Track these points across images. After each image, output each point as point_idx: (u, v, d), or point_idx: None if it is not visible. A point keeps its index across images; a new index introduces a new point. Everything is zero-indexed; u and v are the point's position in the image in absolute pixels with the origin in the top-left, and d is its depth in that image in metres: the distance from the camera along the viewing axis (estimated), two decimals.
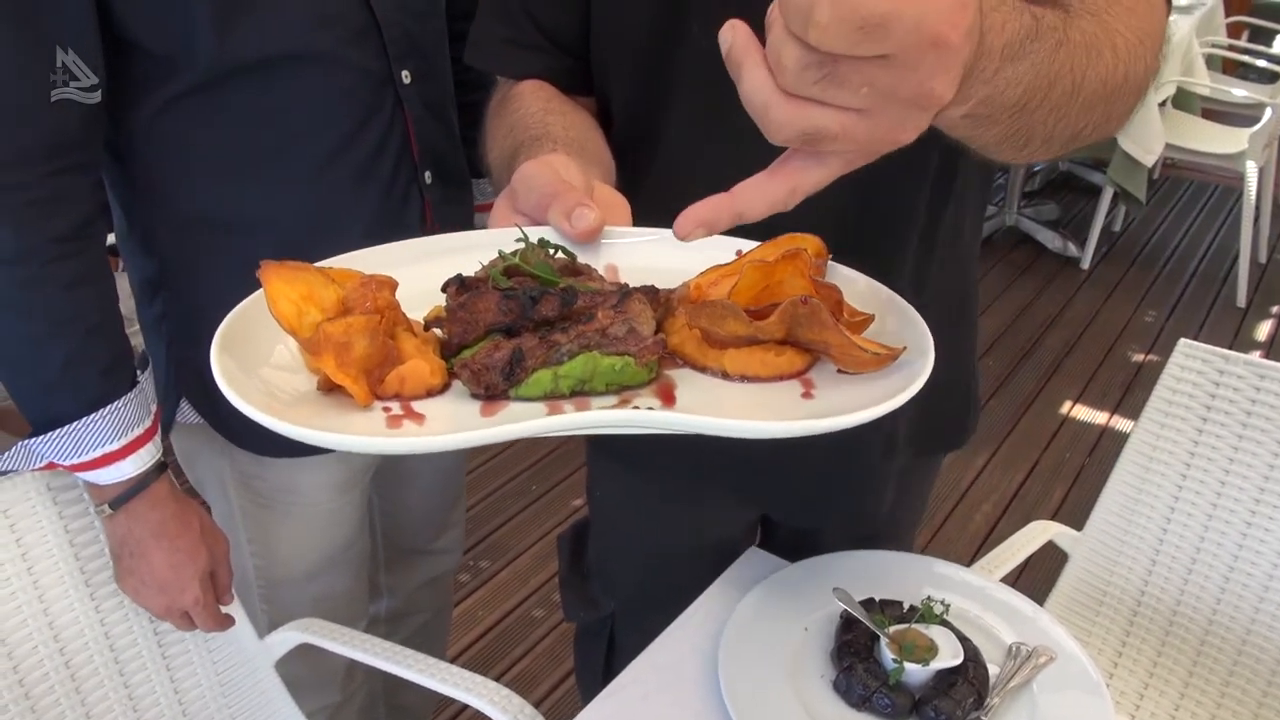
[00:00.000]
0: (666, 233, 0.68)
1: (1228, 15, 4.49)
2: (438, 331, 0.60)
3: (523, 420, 0.52)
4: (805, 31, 0.40)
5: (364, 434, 0.52)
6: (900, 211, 0.94)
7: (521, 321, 0.57)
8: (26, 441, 0.96)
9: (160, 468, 1.02)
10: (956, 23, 0.41)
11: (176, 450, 1.22)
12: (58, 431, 0.94)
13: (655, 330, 0.58)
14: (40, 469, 0.98)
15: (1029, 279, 3.92)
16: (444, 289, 0.59)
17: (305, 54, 0.98)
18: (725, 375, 0.58)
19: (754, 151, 0.89)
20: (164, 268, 1.09)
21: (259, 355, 0.56)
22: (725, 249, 0.65)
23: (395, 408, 0.54)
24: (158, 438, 1.02)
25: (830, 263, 0.66)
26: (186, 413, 1.14)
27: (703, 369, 0.59)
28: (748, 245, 0.66)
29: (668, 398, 0.56)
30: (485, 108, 1.31)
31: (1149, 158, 3.53)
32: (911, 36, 0.40)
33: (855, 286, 0.65)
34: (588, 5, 0.91)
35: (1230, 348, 1.32)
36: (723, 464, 1.09)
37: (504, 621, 2.25)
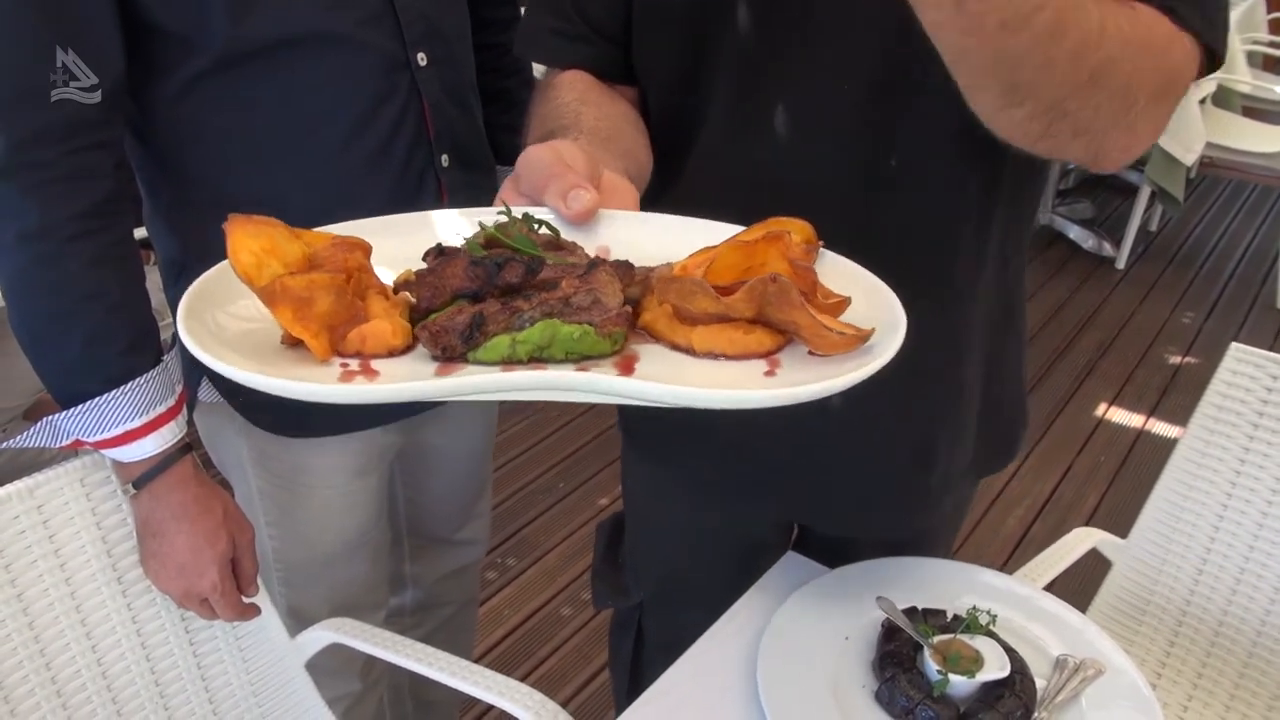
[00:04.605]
0: (663, 217, 0.68)
1: (1269, 11, 4.41)
2: (409, 296, 0.60)
3: (475, 377, 0.53)
4: None
5: (308, 380, 0.52)
6: (949, 220, 0.92)
7: (487, 288, 0.57)
8: (52, 417, 0.97)
9: (184, 449, 1.03)
10: None
11: (200, 429, 1.22)
12: (81, 407, 0.95)
13: (624, 304, 0.58)
14: (66, 445, 0.99)
15: (1063, 279, 3.87)
16: (424, 257, 0.60)
17: (320, 36, 0.99)
18: (693, 352, 0.58)
19: (791, 140, 0.89)
20: (187, 248, 1.10)
21: (229, 306, 0.57)
22: (721, 235, 0.64)
23: (353, 364, 0.55)
24: (181, 418, 1.02)
25: (822, 249, 0.66)
26: (208, 391, 1.15)
27: (673, 346, 0.59)
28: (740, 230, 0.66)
29: (626, 369, 0.56)
30: (517, 94, 1.31)
31: (1189, 156, 3.47)
32: None
33: (841, 272, 0.64)
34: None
35: (1270, 349, 1.28)
36: (752, 468, 1.07)
37: (531, 619, 2.24)
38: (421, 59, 1.06)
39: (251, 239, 0.56)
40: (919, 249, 0.93)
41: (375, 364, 0.55)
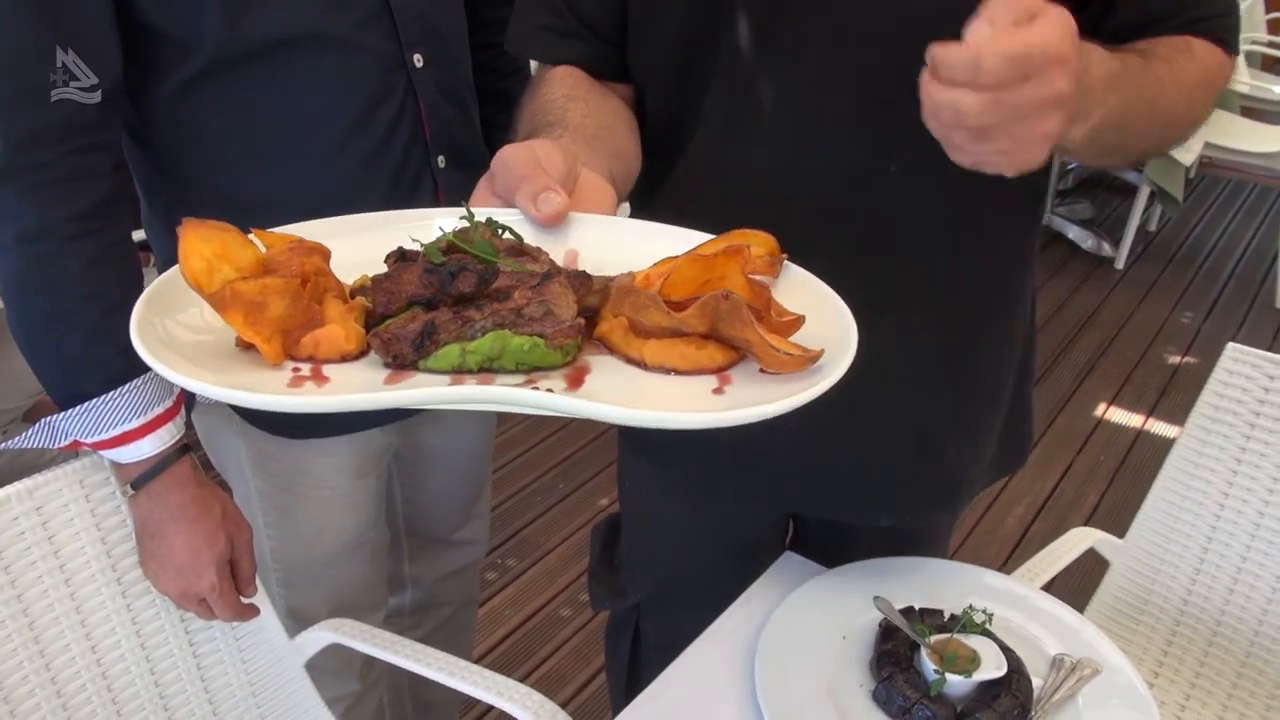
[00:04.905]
0: (633, 222, 0.68)
1: (1268, 11, 4.41)
2: (365, 301, 0.60)
3: (416, 389, 0.53)
4: (976, 77, 0.57)
5: (257, 390, 0.52)
6: (949, 220, 0.94)
7: (441, 296, 0.58)
8: (50, 418, 0.97)
9: (183, 450, 1.03)
10: (1067, 46, 0.59)
11: (198, 430, 1.23)
12: (80, 408, 0.95)
13: (580, 315, 0.58)
14: (64, 447, 0.99)
15: (1062, 279, 3.87)
16: (386, 260, 0.60)
17: (316, 37, 1.00)
18: (644, 366, 0.58)
19: (784, 143, 0.89)
20: None
21: (181, 311, 0.58)
22: (689, 242, 0.65)
23: (305, 369, 0.55)
24: (179, 419, 1.02)
25: (786, 263, 0.66)
26: None
27: (626, 359, 0.59)
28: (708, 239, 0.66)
29: (575, 382, 0.56)
30: (515, 94, 1.32)
31: (1188, 156, 3.48)
32: (1044, 57, 0.57)
33: (802, 286, 0.64)
34: None
35: (1269, 349, 1.29)
36: (750, 461, 1.07)
37: (531, 620, 2.25)
38: (418, 60, 1.07)
39: (203, 243, 0.56)
40: (920, 250, 0.93)
41: (327, 369, 0.55)
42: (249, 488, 1.21)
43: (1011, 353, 1.06)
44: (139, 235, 1.03)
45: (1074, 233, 4.13)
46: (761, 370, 0.57)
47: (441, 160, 1.12)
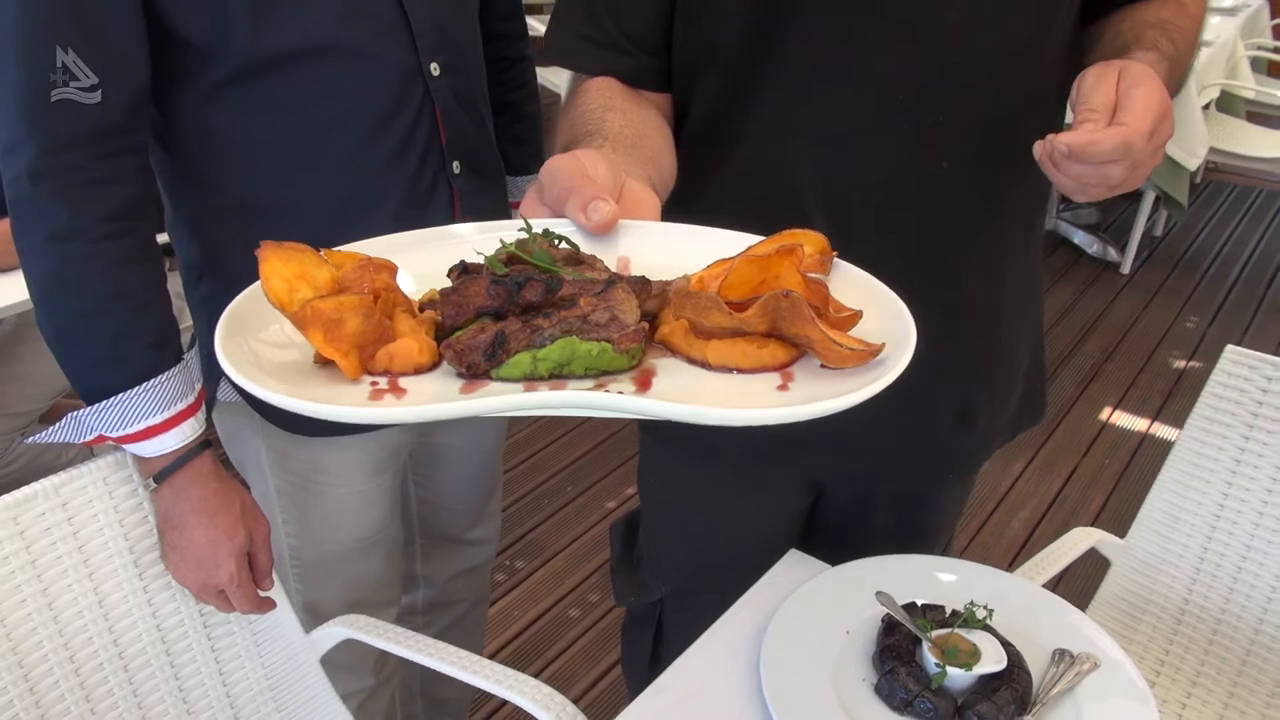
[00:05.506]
0: (682, 227, 0.69)
1: (1274, 17, 4.43)
2: (434, 314, 0.62)
3: (496, 398, 0.55)
4: (1126, 155, 0.75)
5: (339, 404, 0.54)
6: (1000, 202, 1.03)
7: (509, 306, 0.59)
8: (76, 413, 1.00)
9: (204, 445, 1.06)
10: (1162, 103, 0.78)
11: (219, 429, 1.25)
12: (106, 403, 0.98)
13: (641, 319, 0.59)
14: (89, 441, 1.02)
15: (1068, 283, 3.88)
16: (449, 274, 0.62)
17: (337, 46, 1.02)
18: (708, 366, 0.59)
19: (830, 155, 0.93)
20: (207, 252, 1.13)
21: (261, 330, 0.59)
22: (737, 244, 0.66)
23: (382, 383, 0.57)
24: (201, 414, 1.05)
25: (836, 260, 0.67)
26: (227, 390, 1.18)
27: (689, 360, 0.60)
28: (759, 241, 0.67)
29: (644, 384, 0.57)
30: (524, 107, 1.35)
31: (1192, 161, 3.49)
32: (1164, 115, 0.78)
33: (854, 283, 0.65)
34: (670, 6, 0.94)
35: (1275, 354, 1.30)
36: (792, 444, 1.11)
37: (539, 621, 2.27)
38: (434, 69, 1.09)
39: (283, 265, 0.58)
40: (961, 244, 1.01)
41: (403, 382, 0.57)
42: (268, 485, 1.24)
43: (1033, 323, 1.16)
44: (162, 238, 1.06)
45: (1080, 238, 4.14)
46: (823, 366, 0.58)
47: (456, 166, 1.15)
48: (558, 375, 0.57)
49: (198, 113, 1.03)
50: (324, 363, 0.58)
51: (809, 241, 0.65)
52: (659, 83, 0.98)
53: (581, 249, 0.65)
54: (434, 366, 0.59)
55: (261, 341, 0.59)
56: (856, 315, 0.60)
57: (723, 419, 0.52)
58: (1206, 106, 3.68)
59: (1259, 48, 4.17)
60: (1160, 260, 4.12)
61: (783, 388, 0.57)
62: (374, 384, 0.57)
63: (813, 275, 0.63)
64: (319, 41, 1.01)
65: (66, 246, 0.94)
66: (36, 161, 0.92)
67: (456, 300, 0.59)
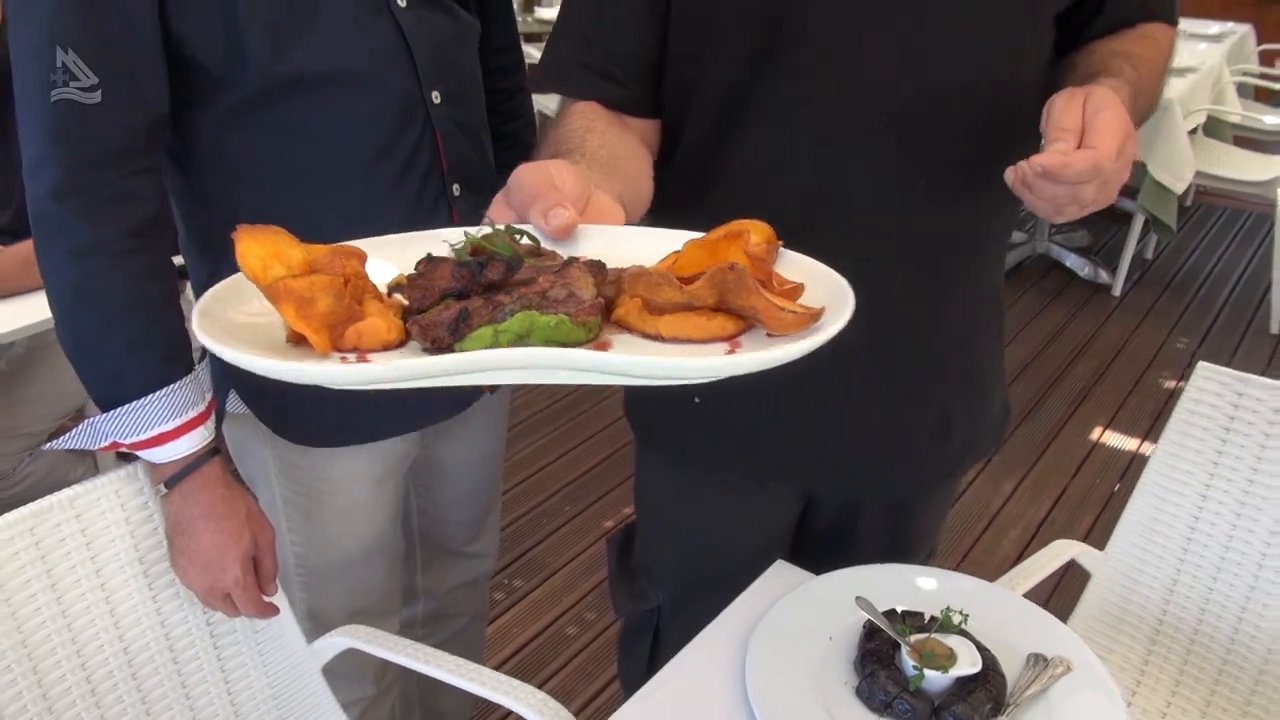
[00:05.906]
0: (638, 229, 0.74)
1: (1260, 43, 4.50)
2: (401, 298, 0.65)
3: (464, 355, 0.58)
4: (1096, 176, 0.80)
5: (306, 364, 0.57)
6: (977, 218, 1.09)
7: (472, 287, 0.62)
8: (92, 419, 1.04)
9: (213, 452, 1.10)
10: (1125, 127, 0.83)
11: (227, 441, 1.30)
12: (121, 410, 1.03)
13: (597, 297, 0.63)
14: (104, 448, 1.06)
15: (1059, 306, 3.93)
16: (415, 266, 0.65)
17: (344, 74, 1.08)
18: (661, 338, 0.63)
19: (817, 185, 0.99)
20: (218, 270, 1.17)
21: (240, 308, 0.63)
22: None
23: (351, 358, 0.60)
24: (211, 422, 1.10)
25: (781, 249, 0.71)
26: (235, 403, 1.22)
27: (643, 334, 0.64)
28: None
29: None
30: (521, 135, 1.40)
31: (1179, 185, 3.54)
32: (1128, 139, 0.84)
33: (798, 266, 0.69)
34: (662, 38, 1.00)
35: (1263, 374, 1.35)
36: (770, 443, 1.17)
37: (538, 639, 2.30)
38: (436, 96, 1.15)
39: (258, 245, 0.62)
40: (942, 255, 1.07)
41: (371, 357, 0.60)
42: (274, 495, 1.28)
43: (999, 330, 1.22)
44: (177, 260, 1.11)
45: (1071, 260, 4.19)
46: (769, 334, 0.62)
47: (457, 188, 1.20)
48: (518, 347, 0.60)
49: (213, 136, 1.08)
50: (296, 340, 0.61)
51: (756, 230, 0.68)
52: (644, 110, 1.02)
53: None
54: (402, 344, 0.62)
55: (239, 314, 0.62)
56: (799, 287, 0.65)
57: (678, 369, 0.57)
58: (1193, 131, 3.74)
59: (1245, 73, 4.24)
60: (1151, 282, 4.17)
61: (730, 353, 0.61)
62: (343, 359, 0.60)
63: (756, 255, 0.67)
64: (328, 69, 1.06)
65: (88, 260, 0.99)
66: (61, 179, 0.97)
67: (423, 284, 0.63)
